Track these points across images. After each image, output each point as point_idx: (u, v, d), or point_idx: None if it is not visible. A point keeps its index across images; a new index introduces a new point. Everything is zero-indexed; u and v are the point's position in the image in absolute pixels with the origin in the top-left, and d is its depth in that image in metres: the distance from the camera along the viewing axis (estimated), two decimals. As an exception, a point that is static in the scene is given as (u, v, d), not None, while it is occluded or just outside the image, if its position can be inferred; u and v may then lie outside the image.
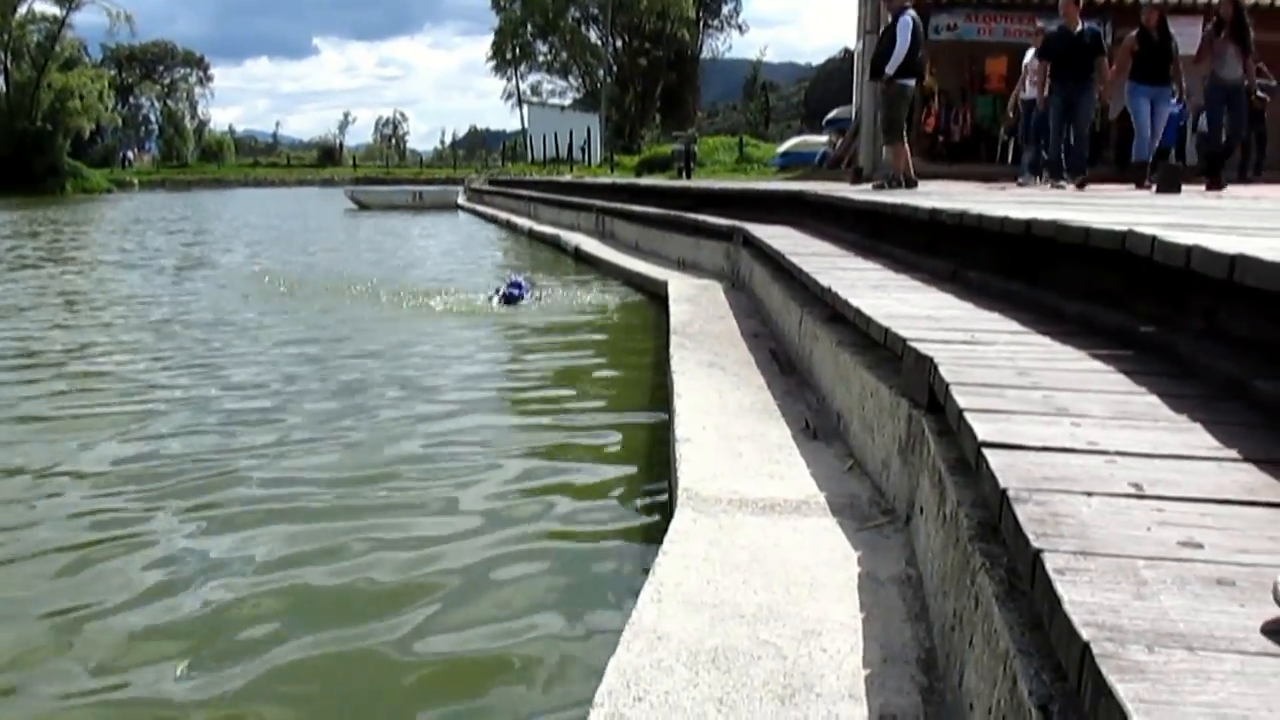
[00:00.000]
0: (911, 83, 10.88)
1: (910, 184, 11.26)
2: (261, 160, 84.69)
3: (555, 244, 12.64)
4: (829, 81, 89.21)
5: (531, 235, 14.73)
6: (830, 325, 3.50)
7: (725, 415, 3.32)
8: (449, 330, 6.59)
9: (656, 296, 7.46)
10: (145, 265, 10.74)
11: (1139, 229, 2.33)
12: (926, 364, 2.20)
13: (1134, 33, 9.54)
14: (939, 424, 2.09)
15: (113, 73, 70.51)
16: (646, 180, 12.51)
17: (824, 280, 3.66)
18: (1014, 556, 1.24)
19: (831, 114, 30.40)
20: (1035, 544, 1.09)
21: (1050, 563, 1.04)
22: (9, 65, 48.53)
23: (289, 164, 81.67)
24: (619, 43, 54.82)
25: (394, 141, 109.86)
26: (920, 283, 3.70)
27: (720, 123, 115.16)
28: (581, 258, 10.88)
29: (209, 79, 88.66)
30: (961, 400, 1.79)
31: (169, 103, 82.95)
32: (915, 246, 4.41)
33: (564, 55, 55.35)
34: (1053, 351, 2.31)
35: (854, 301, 3.10)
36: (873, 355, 2.88)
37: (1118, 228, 2.46)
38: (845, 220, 5.94)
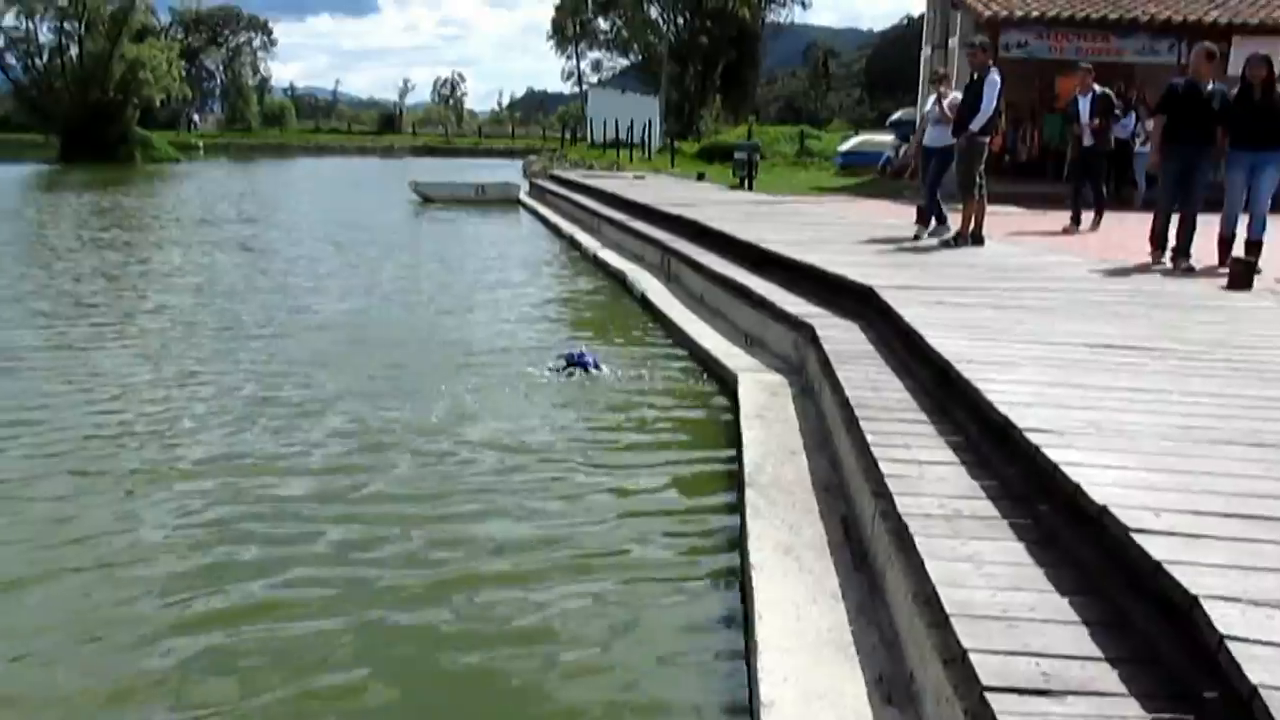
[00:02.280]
0: (988, 139, 10.94)
1: (977, 241, 11.32)
2: (322, 126, 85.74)
3: (621, 282, 12.84)
4: (891, 50, 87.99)
5: (596, 262, 14.94)
6: (903, 553, 3.64)
7: (804, 652, 3.52)
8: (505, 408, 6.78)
9: (725, 381, 7.63)
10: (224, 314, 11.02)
11: None
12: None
13: (1234, 91, 9.00)
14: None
15: (180, 38, 71.55)
16: (713, 221, 12.63)
17: (904, 508, 3.79)
18: None
19: (896, 115, 30.16)
20: None
21: None
22: (82, 35, 49.44)
23: (350, 130, 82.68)
24: (680, 20, 54.51)
25: (451, 102, 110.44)
26: (997, 513, 3.82)
27: (779, 90, 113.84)
28: (648, 307, 11.07)
29: (272, 42, 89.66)
30: None
31: (233, 67, 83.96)
32: (993, 434, 4.51)
33: (624, 33, 55.26)
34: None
35: (934, 575, 3.25)
36: (947, 635, 3.04)
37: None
38: (917, 353, 6.06)
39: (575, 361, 7.98)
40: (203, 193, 29.61)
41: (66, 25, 49.57)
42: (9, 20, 50.47)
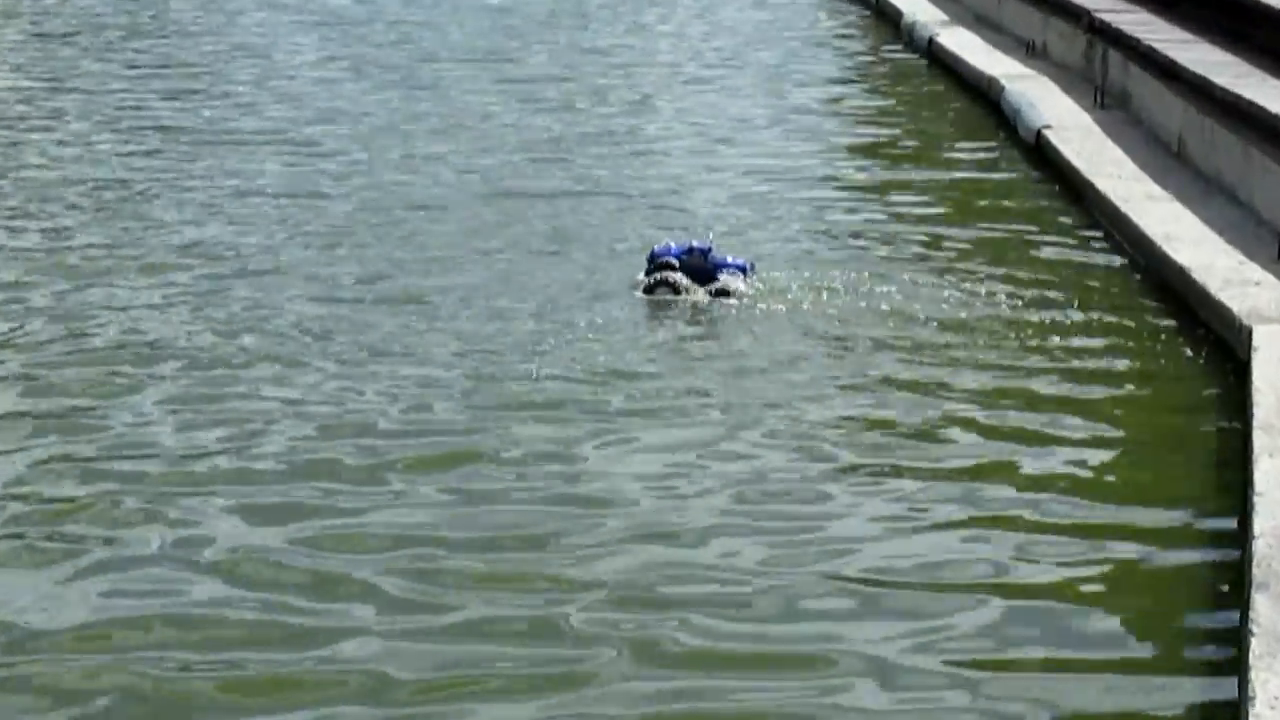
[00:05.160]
0: None
1: None
2: None
3: (995, 104, 11.42)
4: None
5: (932, 55, 13.70)
6: None
7: None
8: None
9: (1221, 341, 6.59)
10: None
11: None
12: None
13: None
14: None
15: None
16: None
17: None
18: None
19: None
20: None
21: None
22: None
23: None
24: None
25: None
26: None
27: None
28: (1050, 162, 9.59)
29: None
30: None
31: None
32: None
33: None
34: None
35: None
36: None
37: None
38: None
39: (688, 265, 7.25)
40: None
41: None
42: None
